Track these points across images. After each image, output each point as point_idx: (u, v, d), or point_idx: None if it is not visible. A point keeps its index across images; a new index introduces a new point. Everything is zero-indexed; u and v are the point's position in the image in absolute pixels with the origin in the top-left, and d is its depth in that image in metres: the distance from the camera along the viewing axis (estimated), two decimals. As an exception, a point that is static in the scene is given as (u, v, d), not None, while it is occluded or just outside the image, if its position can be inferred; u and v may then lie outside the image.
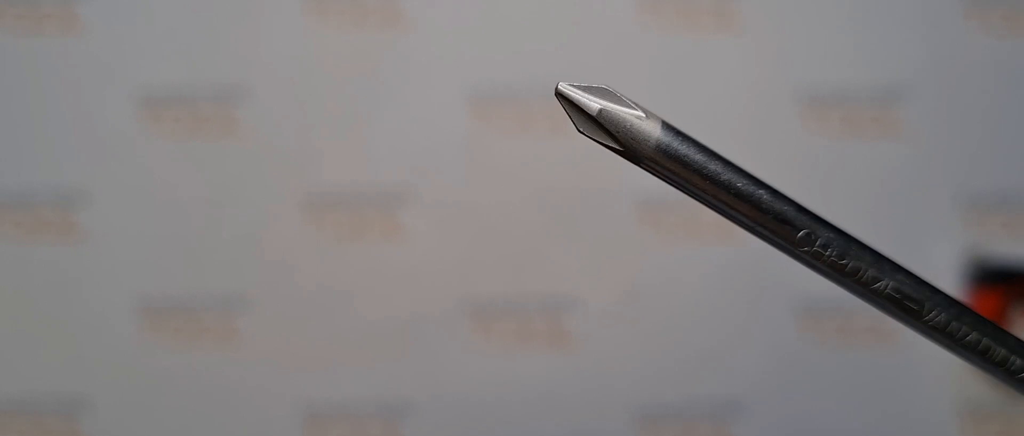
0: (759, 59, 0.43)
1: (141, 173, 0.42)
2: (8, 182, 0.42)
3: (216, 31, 0.42)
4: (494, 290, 0.42)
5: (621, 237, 0.42)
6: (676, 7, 0.42)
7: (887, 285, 0.14)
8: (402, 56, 0.42)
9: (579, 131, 0.11)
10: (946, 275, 0.43)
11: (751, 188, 0.12)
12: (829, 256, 0.13)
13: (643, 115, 0.11)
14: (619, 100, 0.11)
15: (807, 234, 0.13)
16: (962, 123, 0.43)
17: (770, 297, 0.43)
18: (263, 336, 0.42)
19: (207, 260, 0.42)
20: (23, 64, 0.41)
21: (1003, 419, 0.42)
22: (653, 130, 0.11)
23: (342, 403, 0.42)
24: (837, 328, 0.43)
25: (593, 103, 0.11)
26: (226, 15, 0.41)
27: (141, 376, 0.42)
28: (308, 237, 0.42)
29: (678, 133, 0.11)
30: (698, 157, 0.12)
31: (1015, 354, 0.15)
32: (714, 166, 0.12)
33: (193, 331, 0.42)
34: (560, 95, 0.11)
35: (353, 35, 0.42)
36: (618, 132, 0.11)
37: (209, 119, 0.42)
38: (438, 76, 0.42)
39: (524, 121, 0.42)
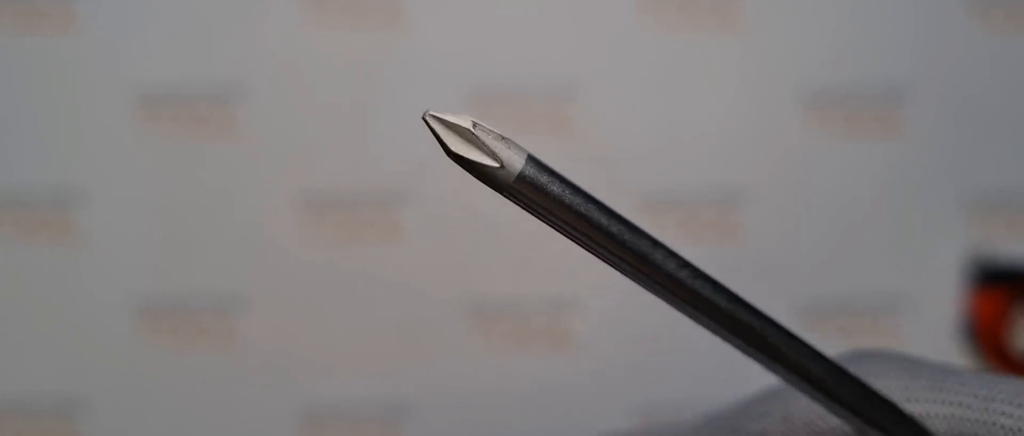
0: (760, 58, 0.42)
1: (139, 172, 0.42)
2: (4, 181, 0.41)
3: (214, 30, 0.41)
4: (494, 290, 0.42)
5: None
6: (676, 7, 0.42)
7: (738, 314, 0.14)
8: (401, 56, 0.42)
9: (448, 153, 0.12)
10: (949, 275, 0.43)
11: (607, 222, 0.13)
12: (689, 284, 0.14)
13: (506, 152, 0.12)
14: (486, 130, 0.12)
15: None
16: (965, 122, 0.43)
17: (770, 297, 0.42)
18: (261, 336, 0.42)
19: (205, 260, 0.42)
20: (20, 62, 0.41)
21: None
22: (520, 154, 0.12)
23: (341, 403, 0.42)
24: (839, 327, 0.42)
25: (464, 121, 0.12)
26: (224, 14, 0.41)
27: (139, 376, 0.42)
28: (307, 237, 0.42)
29: (540, 167, 0.12)
30: (556, 193, 0.12)
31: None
32: (572, 202, 0.12)
33: (191, 331, 0.42)
34: (431, 117, 0.11)
35: (352, 34, 0.42)
36: (488, 146, 0.12)
37: (207, 118, 0.42)
38: (438, 76, 0.42)
39: (524, 121, 0.42)
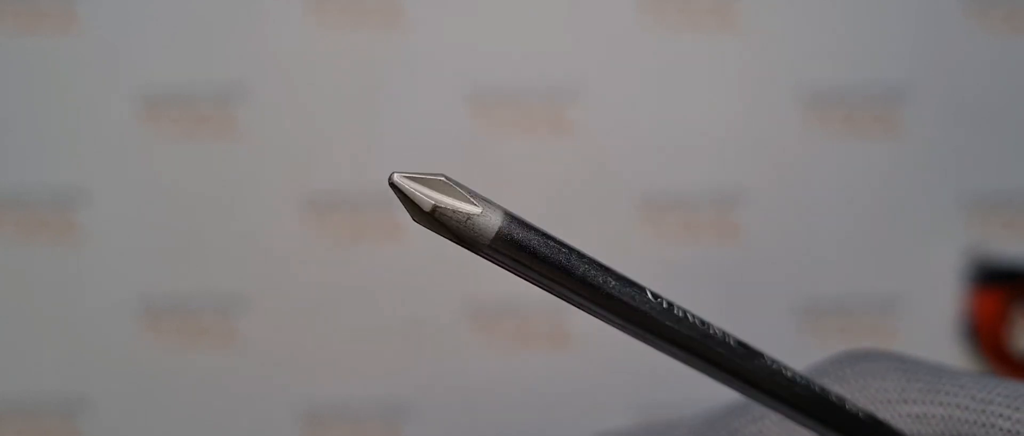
0: (759, 59, 0.42)
1: (140, 172, 0.42)
2: (6, 182, 0.41)
3: (215, 30, 0.41)
4: (495, 290, 0.42)
5: (621, 237, 0.42)
6: (676, 7, 0.42)
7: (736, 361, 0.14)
8: (403, 56, 0.42)
9: (415, 221, 0.11)
10: (948, 275, 0.43)
11: (596, 277, 0.12)
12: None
13: (478, 211, 0.11)
14: (456, 192, 0.11)
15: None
16: (964, 122, 0.43)
17: (769, 297, 0.43)
18: (263, 336, 0.42)
19: (207, 260, 0.42)
20: (21, 62, 0.41)
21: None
22: (490, 225, 0.11)
23: (342, 403, 0.42)
24: (838, 327, 0.43)
25: (427, 199, 0.11)
26: (226, 14, 0.41)
27: (141, 376, 0.42)
28: (308, 237, 0.42)
29: (518, 224, 0.11)
30: (538, 249, 0.11)
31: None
32: (555, 257, 0.12)
33: (193, 331, 0.42)
34: (394, 186, 0.11)
35: (354, 34, 0.42)
36: (454, 228, 0.11)
37: (209, 118, 0.42)
38: (439, 76, 0.42)
39: (524, 121, 0.42)
